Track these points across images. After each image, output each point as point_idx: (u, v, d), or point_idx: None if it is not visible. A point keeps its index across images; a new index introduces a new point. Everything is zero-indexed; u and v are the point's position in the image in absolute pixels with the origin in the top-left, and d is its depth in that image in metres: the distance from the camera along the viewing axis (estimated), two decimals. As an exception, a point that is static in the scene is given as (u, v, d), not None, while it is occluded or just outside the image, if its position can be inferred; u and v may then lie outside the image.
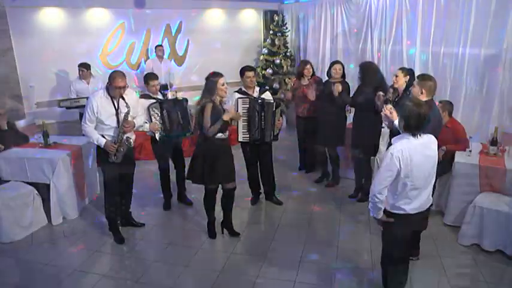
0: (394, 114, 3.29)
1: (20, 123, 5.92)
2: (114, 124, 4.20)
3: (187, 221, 4.93)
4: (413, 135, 2.83)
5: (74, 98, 6.38)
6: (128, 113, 4.20)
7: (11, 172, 4.80)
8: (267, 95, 4.90)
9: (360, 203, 5.22)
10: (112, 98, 4.15)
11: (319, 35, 8.67)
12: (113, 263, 4.07)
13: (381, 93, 4.47)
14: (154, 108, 4.70)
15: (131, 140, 4.36)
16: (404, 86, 4.39)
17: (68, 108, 6.37)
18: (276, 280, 3.75)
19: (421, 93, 3.60)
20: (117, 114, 4.19)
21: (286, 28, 9.18)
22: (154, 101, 4.77)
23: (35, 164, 4.74)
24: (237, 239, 4.45)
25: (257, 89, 4.92)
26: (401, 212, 2.93)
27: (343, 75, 5.48)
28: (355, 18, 7.92)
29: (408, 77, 4.41)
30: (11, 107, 7.01)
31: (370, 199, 2.95)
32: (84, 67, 6.66)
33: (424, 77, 3.74)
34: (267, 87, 5.35)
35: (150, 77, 4.91)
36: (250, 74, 4.79)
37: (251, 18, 9.73)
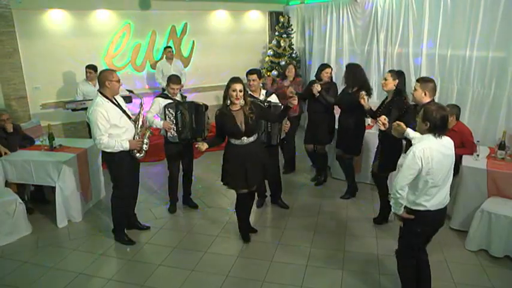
0: (402, 125, 3.36)
1: (26, 125, 5.92)
2: (128, 123, 4.19)
3: (192, 224, 4.92)
4: (435, 135, 2.97)
5: (80, 100, 6.38)
6: (141, 104, 4.29)
7: (17, 175, 4.81)
8: (274, 98, 4.88)
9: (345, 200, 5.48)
10: (110, 99, 4.08)
11: (325, 36, 8.63)
12: (118, 267, 4.06)
13: (364, 92, 4.58)
14: (170, 109, 4.72)
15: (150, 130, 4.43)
16: (393, 89, 4.43)
17: (73, 110, 6.37)
18: (282, 285, 3.72)
19: (425, 94, 3.69)
20: (124, 112, 4.17)
21: (292, 30, 9.15)
22: (171, 101, 4.78)
23: (41, 166, 4.75)
24: (242, 243, 4.44)
25: (263, 91, 4.90)
26: (422, 208, 3.05)
27: (331, 77, 5.64)
28: (361, 20, 7.88)
29: (397, 81, 4.44)
30: (16, 108, 7.03)
31: (392, 195, 3.09)
32: (92, 69, 6.67)
33: (424, 79, 3.83)
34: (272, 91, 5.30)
35: (172, 79, 4.83)
36: (251, 77, 4.79)
37: (256, 20, 9.72)
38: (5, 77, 6.94)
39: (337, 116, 5.57)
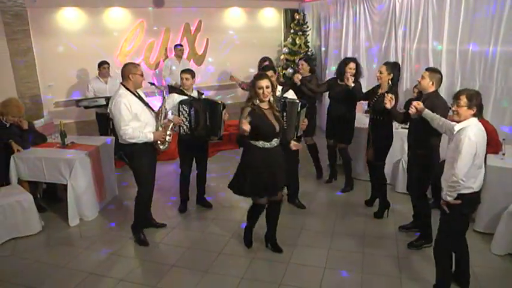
0: (422, 105, 3.64)
1: (38, 123, 5.88)
2: (149, 117, 4.13)
3: (206, 224, 4.79)
4: (477, 118, 3.16)
5: (92, 98, 6.33)
6: (164, 96, 4.27)
7: (29, 172, 4.74)
8: (290, 94, 4.73)
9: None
10: (132, 92, 4.03)
11: (341, 33, 8.45)
12: (130, 267, 3.95)
13: (391, 95, 4.24)
14: (184, 105, 4.62)
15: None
16: (389, 82, 4.53)
17: (86, 107, 6.32)
18: (298, 288, 3.58)
19: (432, 84, 3.82)
20: (146, 104, 4.12)
21: (307, 27, 9.00)
22: (186, 97, 4.68)
23: (52, 164, 4.68)
24: (259, 242, 4.27)
25: (279, 87, 4.76)
26: (470, 190, 3.16)
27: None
28: (378, 16, 7.69)
29: (392, 74, 4.52)
30: (30, 106, 7.02)
31: (454, 184, 3.11)
32: (107, 64, 6.67)
33: (433, 69, 3.95)
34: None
35: (182, 71, 4.83)
36: (269, 73, 4.57)
37: (271, 17, 9.59)
38: (19, 75, 6.94)
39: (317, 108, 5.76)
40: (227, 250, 4.19)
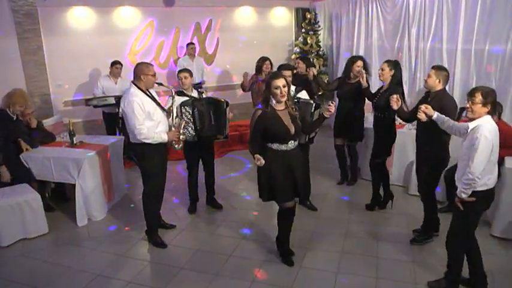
0: (430, 108, 3.54)
1: (48, 122, 5.84)
2: (162, 116, 4.05)
3: (216, 226, 4.70)
4: (491, 115, 3.14)
5: (101, 97, 6.28)
6: (173, 96, 4.18)
7: (37, 171, 4.70)
8: (304, 94, 4.63)
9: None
10: (143, 91, 3.95)
11: (353, 32, 8.33)
12: (139, 269, 3.86)
13: (396, 96, 4.19)
14: (185, 106, 4.51)
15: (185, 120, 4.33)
16: (389, 79, 4.54)
17: (95, 106, 6.27)
18: (311, 293, 3.48)
19: (439, 82, 3.79)
20: (159, 104, 4.04)
21: (319, 26, 8.89)
22: (187, 98, 4.58)
23: (61, 163, 4.63)
24: (270, 245, 4.17)
25: (293, 87, 4.67)
26: (485, 188, 3.14)
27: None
28: (391, 15, 7.56)
29: (393, 71, 4.53)
30: (39, 105, 7.00)
31: (469, 181, 3.08)
32: (120, 64, 6.63)
33: (439, 67, 3.90)
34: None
35: (180, 71, 4.78)
36: (286, 73, 4.53)
37: (282, 16, 9.49)
38: (29, 74, 6.93)
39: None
40: (237, 253, 4.10)
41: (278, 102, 3.47)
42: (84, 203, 4.66)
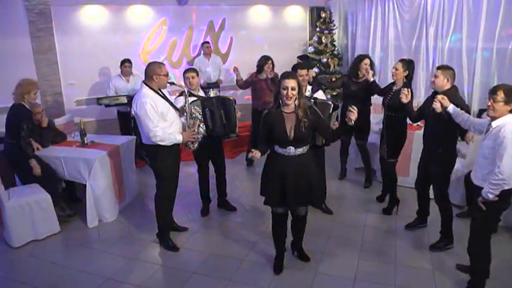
0: (446, 99, 3.52)
1: (59, 121, 5.77)
2: (175, 116, 3.95)
3: (229, 230, 4.58)
4: None
5: (113, 96, 6.21)
6: (186, 95, 4.06)
7: (48, 171, 4.62)
8: (320, 94, 4.49)
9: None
10: (156, 91, 3.83)
11: (369, 32, 8.16)
12: (150, 273, 3.75)
13: (407, 89, 4.13)
14: (196, 106, 4.38)
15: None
16: (404, 79, 4.49)
17: (107, 106, 6.20)
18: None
19: (447, 81, 3.73)
20: (172, 104, 3.94)
21: (334, 25, 8.72)
22: (195, 98, 4.46)
23: (71, 163, 4.56)
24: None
25: (309, 87, 4.53)
26: (508, 187, 3.04)
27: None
28: (408, 13, 7.37)
29: (407, 72, 4.48)
30: (51, 104, 6.96)
31: (498, 182, 3.01)
32: (129, 62, 6.56)
33: (445, 67, 3.85)
34: (322, 87, 4.98)
35: (186, 70, 4.68)
36: (303, 72, 4.40)
37: (297, 15, 9.32)
38: (41, 72, 6.88)
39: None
40: (251, 257, 3.96)
41: (284, 104, 3.29)
42: (95, 204, 4.57)
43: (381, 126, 4.85)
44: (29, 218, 4.20)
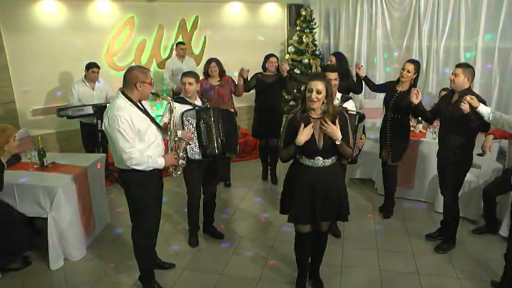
0: (475, 99, 3.38)
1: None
2: (156, 135, 3.19)
3: (224, 262, 3.86)
4: None
5: (77, 106, 5.33)
6: (172, 108, 3.32)
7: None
8: (350, 105, 3.88)
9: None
10: (134, 103, 3.06)
11: (354, 30, 7.64)
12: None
13: (416, 89, 4.07)
14: (189, 117, 3.67)
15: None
16: (411, 81, 4.37)
17: (69, 117, 5.32)
18: None
19: (467, 80, 3.64)
20: (153, 119, 3.17)
21: (315, 24, 8.16)
22: (190, 107, 3.74)
23: (28, 192, 3.67)
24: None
25: (339, 95, 3.91)
26: None
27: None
28: (398, 11, 6.90)
29: (416, 75, 4.37)
30: (2, 115, 6.00)
31: None
32: (97, 67, 5.69)
33: (466, 65, 3.75)
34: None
35: (183, 74, 3.93)
36: (332, 76, 3.85)
37: (274, 14, 8.69)
38: (-13, 78, 5.91)
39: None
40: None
41: (310, 108, 2.93)
42: (60, 240, 3.72)
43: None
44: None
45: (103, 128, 3.05)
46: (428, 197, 5.04)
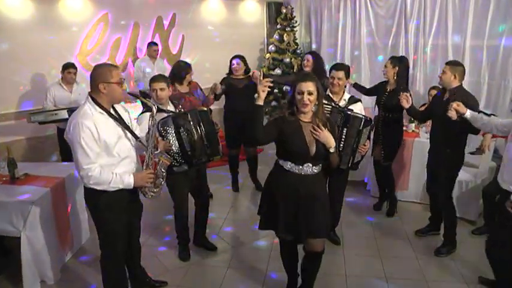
0: (463, 106, 3.32)
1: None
2: (128, 147, 2.75)
3: (220, 276, 3.56)
4: None
5: (50, 110, 4.89)
6: (152, 116, 2.82)
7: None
8: (358, 108, 3.66)
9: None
10: (104, 108, 2.63)
11: (337, 29, 7.47)
12: None
13: (406, 93, 4.06)
14: (166, 127, 3.28)
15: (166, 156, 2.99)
16: (394, 77, 4.34)
17: (41, 123, 4.89)
18: None
19: (454, 78, 3.62)
20: (127, 128, 2.75)
21: (296, 22, 7.95)
22: (165, 115, 3.36)
23: (-2, 210, 3.25)
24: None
25: (347, 96, 3.66)
26: None
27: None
28: (384, 8, 6.78)
29: (397, 68, 4.32)
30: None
31: None
32: (74, 67, 5.30)
33: (454, 62, 3.76)
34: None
35: (152, 79, 3.51)
36: (339, 74, 3.66)
37: (253, 11, 8.46)
38: None
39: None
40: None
41: (300, 111, 2.71)
42: (34, 261, 3.29)
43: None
44: None
45: (65, 136, 2.62)
46: (423, 197, 4.93)
